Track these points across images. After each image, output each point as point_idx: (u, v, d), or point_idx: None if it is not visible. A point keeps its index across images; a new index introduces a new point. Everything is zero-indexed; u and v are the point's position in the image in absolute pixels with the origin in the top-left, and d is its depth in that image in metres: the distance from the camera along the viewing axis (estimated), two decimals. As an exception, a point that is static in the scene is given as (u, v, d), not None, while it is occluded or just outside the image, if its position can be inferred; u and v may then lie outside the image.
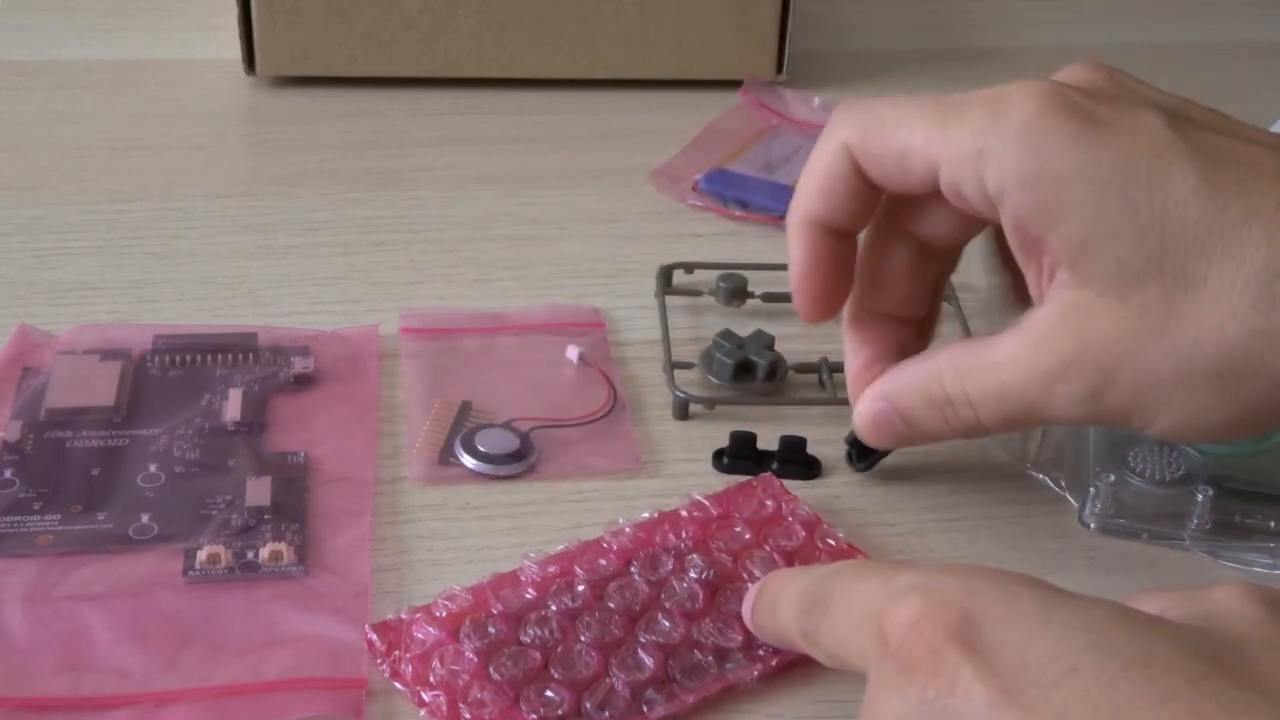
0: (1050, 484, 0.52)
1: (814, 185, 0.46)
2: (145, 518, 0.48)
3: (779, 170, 0.69)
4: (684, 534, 0.48)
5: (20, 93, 0.76)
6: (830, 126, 0.46)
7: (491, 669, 0.42)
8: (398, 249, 0.64)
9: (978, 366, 0.44)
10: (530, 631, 0.44)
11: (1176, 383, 0.40)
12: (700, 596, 0.45)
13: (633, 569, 0.46)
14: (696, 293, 0.61)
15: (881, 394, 0.47)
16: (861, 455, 0.52)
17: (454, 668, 0.43)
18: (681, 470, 0.52)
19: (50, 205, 0.66)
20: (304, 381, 0.55)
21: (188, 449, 0.51)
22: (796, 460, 0.52)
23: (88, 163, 0.69)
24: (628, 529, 0.48)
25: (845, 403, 0.55)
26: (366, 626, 0.44)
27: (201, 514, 0.49)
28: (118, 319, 0.58)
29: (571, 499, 0.51)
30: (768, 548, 0.47)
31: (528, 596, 0.45)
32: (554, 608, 0.44)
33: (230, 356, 0.56)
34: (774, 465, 0.52)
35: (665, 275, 0.61)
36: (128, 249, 0.63)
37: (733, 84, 0.77)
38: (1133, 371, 0.41)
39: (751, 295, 0.61)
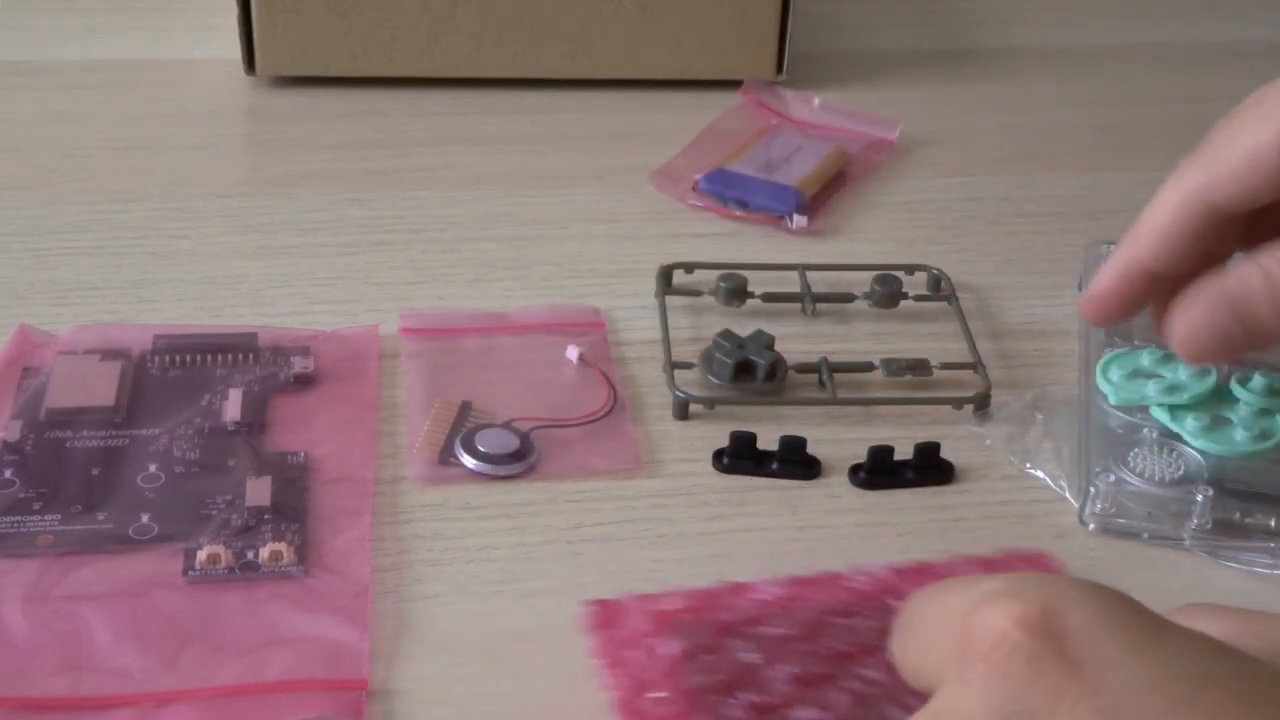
0: (1050, 484, 0.52)
1: (1155, 234, 0.46)
2: (145, 518, 0.48)
3: (779, 170, 0.69)
4: None
5: (20, 93, 0.76)
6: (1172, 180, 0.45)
7: (685, 672, 0.42)
8: (398, 249, 0.64)
9: None
10: (737, 645, 0.43)
11: None
12: None
13: (865, 613, 0.44)
14: (696, 293, 0.61)
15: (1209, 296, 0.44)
16: (872, 474, 0.52)
17: (650, 660, 0.43)
18: (681, 470, 0.52)
19: (50, 205, 0.66)
20: (304, 381, 0.55)
21: (188, 449, 0.51)
22: (796, 460, 0.52)
23: (88, 163, 0.69)
24: (880, 572, 0.47)
25: (845, 403, 0.55)
26: (585, 600, 0.45)
27: (201, 514, 0.49)
28: (118, 319, 0.58)
29: (571, 499, 0.51)
30: None
31: (751, 612, 0.45)
32: (771, 629, 0.44)
33: (230, 356, 0.56)
34: (774, 465, 0.52)
35: (665, 275, 0.61)
36: (128, 249, 0.63)
37: (733, 84, 0.77)
38: None
39: (751, 295, 0.61)
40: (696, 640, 0.43)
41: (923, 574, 0.46)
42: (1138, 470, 0.50)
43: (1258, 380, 0.53)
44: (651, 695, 0.42)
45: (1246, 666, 0.33)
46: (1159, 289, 0.46)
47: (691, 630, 0.44)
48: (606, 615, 0.45)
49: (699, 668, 0.43)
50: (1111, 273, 0.47)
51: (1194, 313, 0.44)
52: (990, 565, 0.47)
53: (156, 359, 0.55)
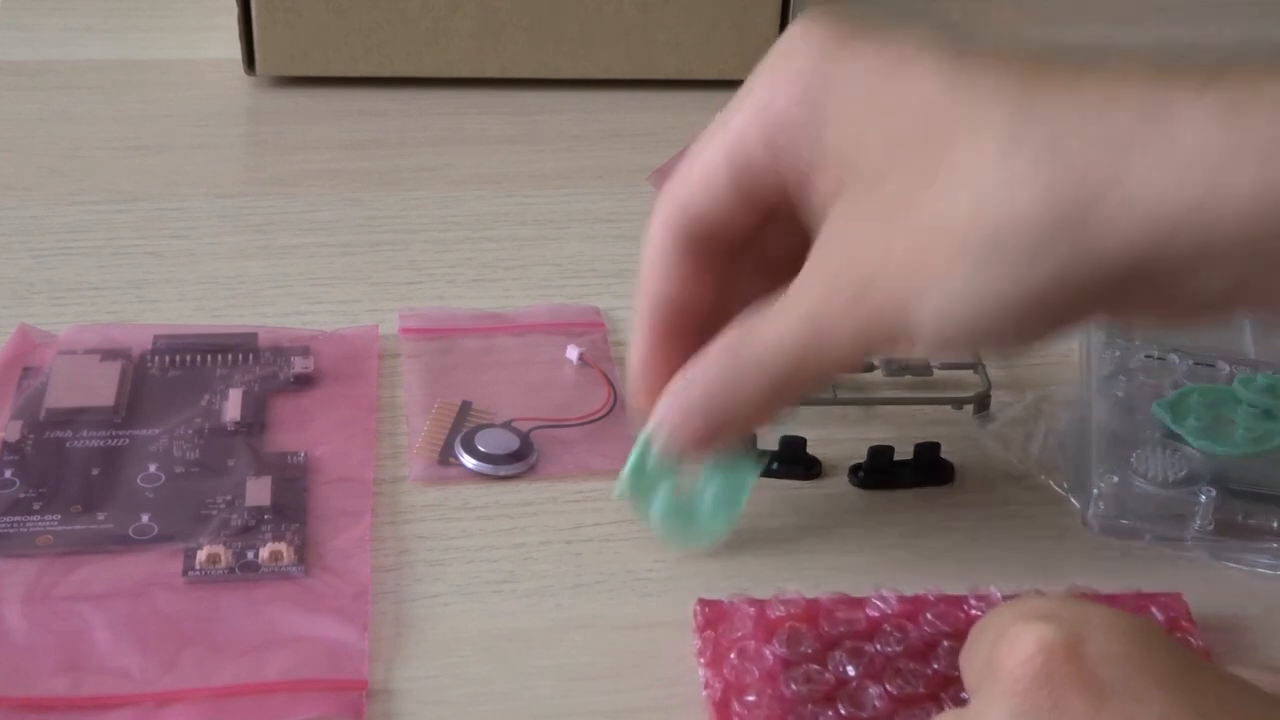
0: (1052, 484, 0.52)
1: (650, 259, 0.44)
2: (145, 518, 0.48)
3: (779, 170, 0.69)
4: None
5: (20, 93, 0.75)
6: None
7: (782, 679, 0.42)
8: (398, 249, 0.64)
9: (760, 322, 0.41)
10: (840, 658, 0.43)
11: (935, 257, 0.37)
12: None
13: None
14: (697, 293, 0.61)
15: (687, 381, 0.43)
16: (872, 474, 0.52)
17: (748, 665, 0.43)
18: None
19: (50, 205, 0.66)
20: (304, 382, 0.55)
21: (188, 449, 0.51)
22: (796, 460, 0.52)
23: (88, 163, 0.69)
24: (997, 596, 0.46)
25: (845, 403, 0.55)
26: (695, 600, 0.45)
27: (201, 514, 0.49)
28: (118, 319, 0.58)
29: (571, 499, 0.51)
30: None
31: (861, 626, 0.45)
32: (877, 647, 0.44)
33: (230, 356, 0.55)
34: (774, 465, 0.52)
35: (665, 275, 0.61)
36: (128, 249, 0.63)
37: (733, 84, 0.77)
38: (885, 262, 0.38)
39: (752, 295, 0.60)
40: (800, 649, 0.44)
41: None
42: (1140, 471, 0.50)
43: (1261, 380, 0.53)
44: (747, 699, 0.42)
45: (1276, 709, 0.33)
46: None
47: (797, 639, 0.44)
48: (714, 616, 0.45)
49: (798, 677, 0.43)
50: (640, 332, 0.44)
51: (669, 401, 0.43)
52: (1114, 601, 0.46)
53: (156, 359, 0.55)
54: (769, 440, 0.52)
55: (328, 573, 0.47)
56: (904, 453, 0.52)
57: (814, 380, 0.42)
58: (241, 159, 0.72)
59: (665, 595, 0.47)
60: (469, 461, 0.52)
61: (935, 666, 0.43)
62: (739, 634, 0.44)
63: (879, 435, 0.54)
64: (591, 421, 0.54)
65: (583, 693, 0.44)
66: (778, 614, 0.45)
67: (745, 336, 0.41)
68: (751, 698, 0.42)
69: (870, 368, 0.57)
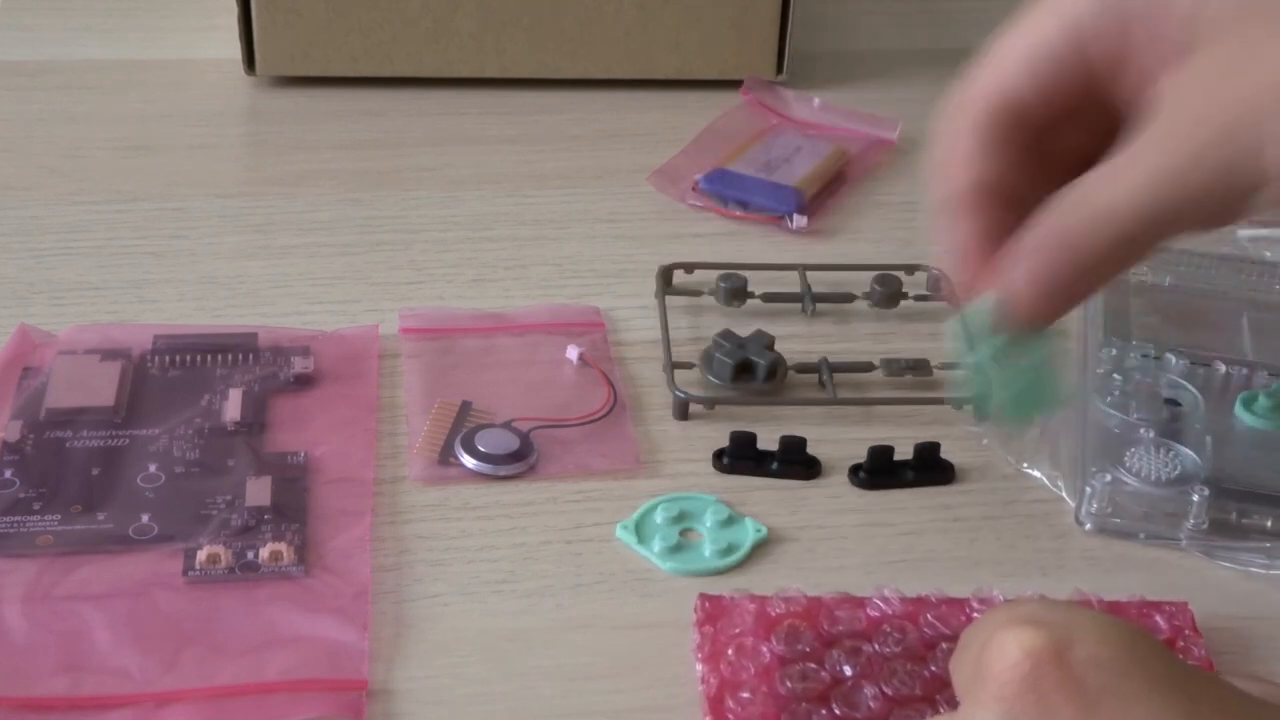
0: (1048, 484, 0.52)
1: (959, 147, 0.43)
2: (145, 518, 0.48)
3: (779, 170, 0.69)
4: None
5: (20, 93, 0.76)
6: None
7: (778, 677, 0.43)
8: (398, 249, 0.64)
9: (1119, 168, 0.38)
10: (836, 657, 0.44)
11: None
12: None
13: None
14: (696, 293, 0.61)
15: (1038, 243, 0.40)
16: (872, 474, 0.52)
17: (745, 661, 0.43)
18: (682, 470, 0.52)
19: (50, 205, 0.66)
20: (304, 382, 0.55)
21: (188, 449, 0.51)
22: (796, 460, 0.52)
23: (88, 163, 0.69)
24: (999, 599, 0.46)
25: (845, 403, 0.55)
26: (699, 594, 0.46)
27: (201, 514, 0.49)
28: (118, 319, 0.58)
29: (571, 499, 0.51)
30: None
31: (860, 625, 0.45)
32: (875, 647, 0.44)
33: (230, 356, 0.56)
34: (774, 465, 0.52)
35: (665, 275, 0.61)
36: (128, 249, 0.63)
37: (733, 84, 0.77)
38: (1237, 110, 0.36)
39: (751, 295, 0.61)
40: (797, 647, 0.44)
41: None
42: (1134, 470, 0.50)
43: (1263, 401, 0.53)
44: (741, 695, 0.42)
45: (1270, 714, 0.33)
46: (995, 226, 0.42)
47: (795, 636, 0.44)
48: (714, 611, 0.45)
49: (793, 675, 0.43)
50: (960, 218, 0.43)
51: (1018, 267, 0.40)
52: (1119, 610, 0.46)
53: (156, 359, 0.55)
54: (769, 440, 0.52)
55: (328, 573, 0.47)
56: (904, 453, 0.52)
57: (1167, 231, 0.39)
58: (241, 159, 0.72)
59: (665, 595, 0.47)
60: (469, 461, 0.52)
61: (932, 668, 0.43)
62: (738, 630, 0.44)
63: (879, 435, 0.54)
64: (591, 421, 0.54)
65: (583, 693, 0.44)
66: (778, 611, 0.45)
67: (1089, 194, 0.39)
68: (746, 694, 0.42)
69: (870, 368, 0.57)
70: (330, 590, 0.46)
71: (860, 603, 0.46)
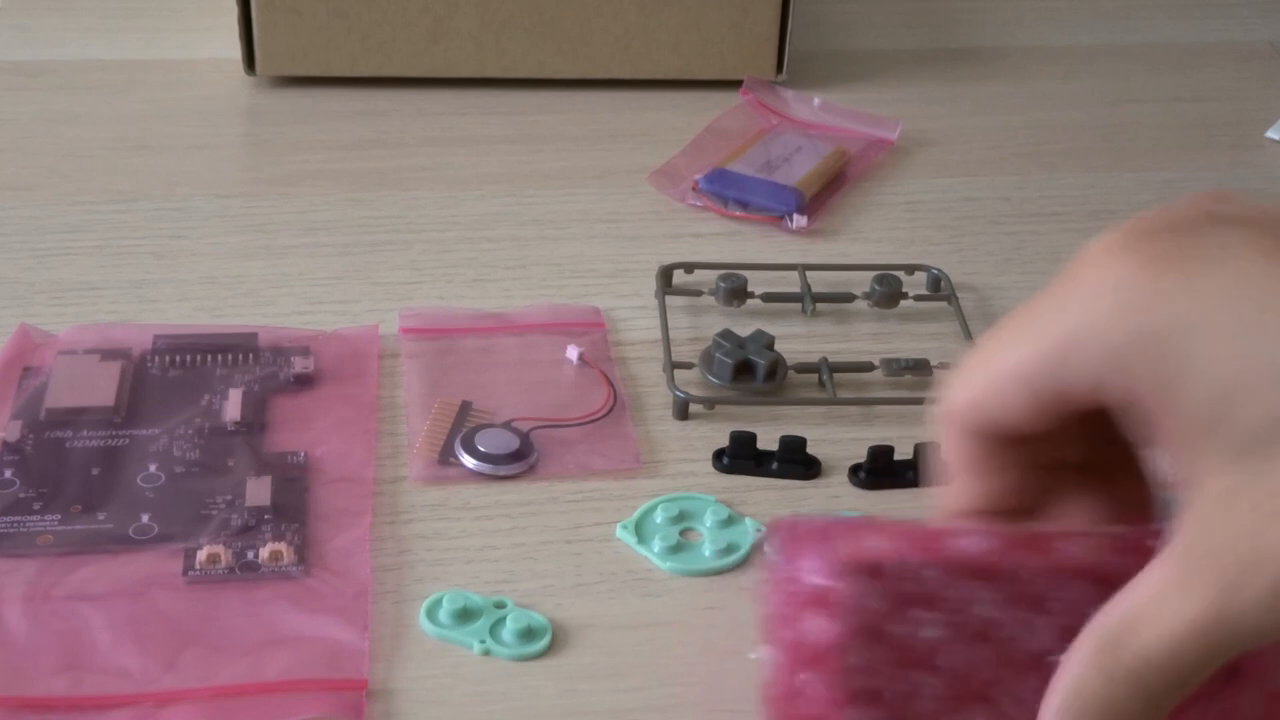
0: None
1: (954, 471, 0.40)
2: (145, 518, 0.48)
3: (779, 170, 0.69)
4: None
5: (20, 93, 0.76)
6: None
7: (842, 657, 0.33)
8: (398, 249, 0.64)
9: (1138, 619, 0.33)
10: (919, 620, 0.33)
11: None
12: None
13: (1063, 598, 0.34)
14: (696, 293, 0.61)
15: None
16: (872, 474, 0.52)
17: (808, 635, 0.34)
18: (682, 470, 0.52)
19: (50, 205, 0.66)
20: (304, 381, 0.55)
21: (188, 449, 0.51)
22: (796, 460, 0.52)
23: (88, 163, 0.69)
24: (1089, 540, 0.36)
25: (845, 403, 0.55)
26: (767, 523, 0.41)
27: (201, 514, 0.49)
28: (118, 319, 0.58)
29: (571, 499, 0.51)
30: None
31: (957, 567, 0.35)
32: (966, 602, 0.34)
33: (230, 356, 0.56)
34: (774, 465, 0.52)
35: (665, 275, 0.61)
36: (128, 249, 0.63)
37: (733, 84, 0.77)
38: None
39: (751, 295, 0.61)
40: (861, 614, 0.34)
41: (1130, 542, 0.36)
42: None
43: None
44: (801, 676, 0.33)
45: None
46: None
47: (856, 601, 0.34)
48: (791, 544, 0.35)
49: (857, 657, 0.34)
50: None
51: None
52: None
53: (156, 359, 0.55)
54: (769, 440, 0.52)
55: (328, 573, 0.47)
56: (904, 453, 0.52)
57: (1203, 678, 0.34)
58: (241, 159, 0.72)
59: (665, 595, 0.47)
60: (469, 461, 0.52)
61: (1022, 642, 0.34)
62: (802, 586, 0.34)
63: (879, 435, 0.54)
64: (591, 421, 0.54)
65: (583, 693, 0.44)
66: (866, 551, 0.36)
67: (1122, 635, 0.33)
68: (806, 676, 0.34)
69: (870, 368, 0.57)
70: (330, 590, 0.46)
71: (948, 533, 0.37)
